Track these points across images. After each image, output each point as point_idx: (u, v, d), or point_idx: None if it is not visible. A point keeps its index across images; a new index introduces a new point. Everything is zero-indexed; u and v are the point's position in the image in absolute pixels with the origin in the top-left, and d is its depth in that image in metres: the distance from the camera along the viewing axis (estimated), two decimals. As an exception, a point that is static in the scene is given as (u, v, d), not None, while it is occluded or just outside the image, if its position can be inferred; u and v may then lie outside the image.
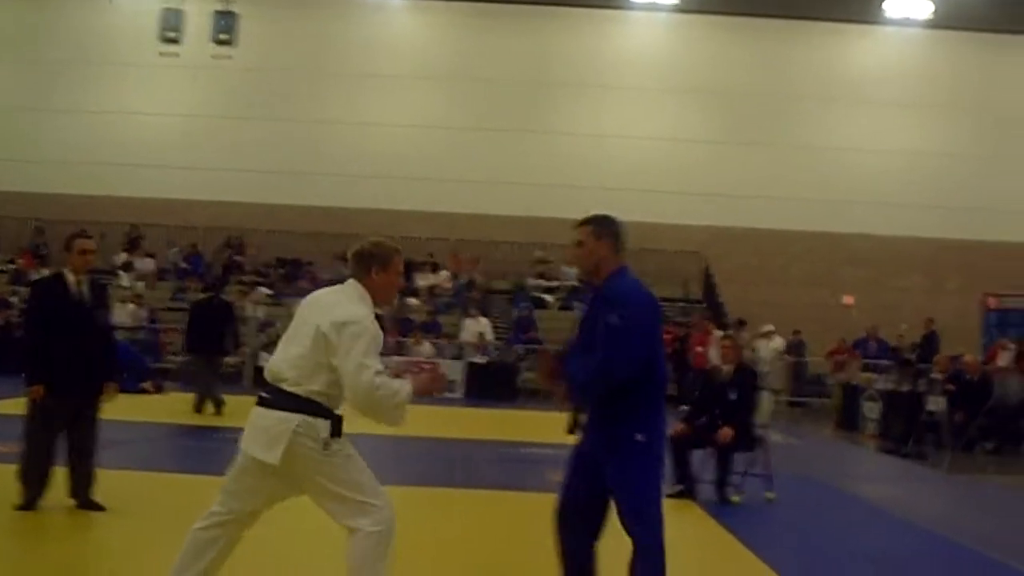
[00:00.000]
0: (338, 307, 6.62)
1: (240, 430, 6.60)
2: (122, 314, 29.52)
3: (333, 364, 6.50)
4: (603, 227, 7.09)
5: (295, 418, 6.47)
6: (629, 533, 6.82)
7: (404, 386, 6.57)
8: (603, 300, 6.91)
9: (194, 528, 6.74)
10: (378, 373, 6.46)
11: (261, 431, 6.53)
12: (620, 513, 6.85)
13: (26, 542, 9.46)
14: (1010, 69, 39.47)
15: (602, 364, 6.73)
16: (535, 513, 11.64)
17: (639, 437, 6.80)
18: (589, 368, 6.77)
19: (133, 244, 37.02)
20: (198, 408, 20.67)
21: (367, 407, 6.49)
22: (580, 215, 7.21)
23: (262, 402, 6.62)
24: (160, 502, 11.26)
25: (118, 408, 11.28)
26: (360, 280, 6.81)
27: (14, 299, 31.25)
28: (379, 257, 6.85)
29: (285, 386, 6.55)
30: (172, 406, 22.09)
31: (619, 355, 6.73)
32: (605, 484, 6.89)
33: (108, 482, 10.76)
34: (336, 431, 6.56)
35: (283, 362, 6.62)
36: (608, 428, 6.88)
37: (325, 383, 6.53)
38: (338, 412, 6.60)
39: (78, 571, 8.50)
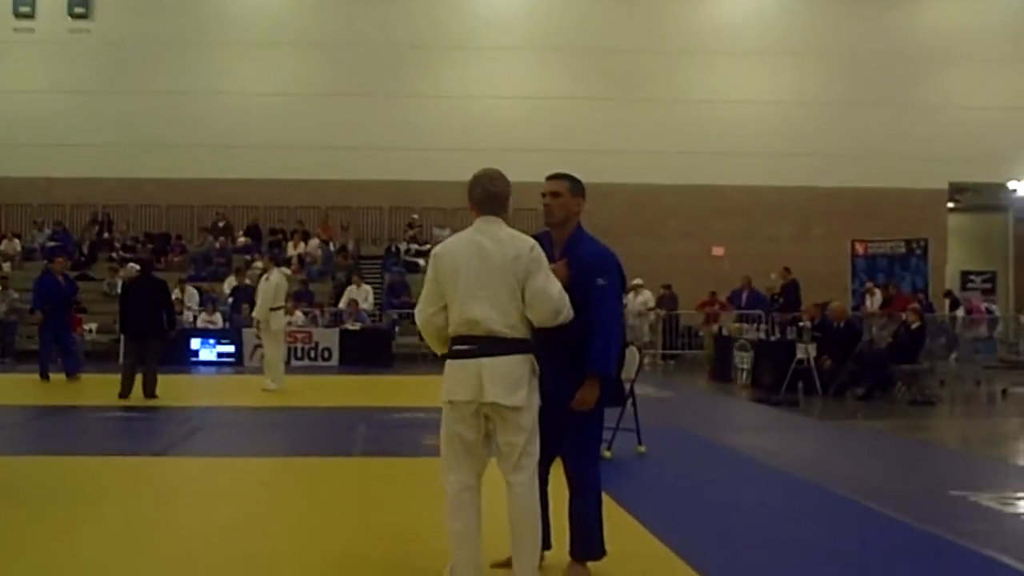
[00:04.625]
0: (509, 242, 7.11)
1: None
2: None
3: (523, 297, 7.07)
4: (577, 186, 7.82)
5: (528, 359, 7.08)
6: (571, 473, 7.64)
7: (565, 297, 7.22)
8: (584, 260, 7.57)
9: (463, 495, 7.20)
10: (560, 295, 7.13)
11: (498, 378, 6.94)
12: (566, 458, 7.64)
13: None
14: (867, 15, 39.93)
15: (605, 325, 7.49)
16: (411, 478, 11.61)
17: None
18: (598, 341, 7.42)
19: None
20: (124, 392, 19.49)
21: (554, 322, 7.12)
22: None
23: (482, 352, 7.00)
24: (36, 484, 11.12)
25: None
26: (499, 216, 7.26)
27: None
28: (509, 193, 7.36)
29: (504, 333, 7.00)
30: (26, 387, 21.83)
31: (612, 313, 7.62)
32: (563, 424, 7.50)
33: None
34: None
35: (493, 313, 6.99)
36: (574, 374, 7.42)
37: (527, 322, 7.11)
38: None
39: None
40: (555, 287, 7.09)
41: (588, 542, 7.65)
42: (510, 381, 6.96)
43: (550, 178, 7.85)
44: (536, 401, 7.14)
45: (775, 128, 38.85)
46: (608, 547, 7.74)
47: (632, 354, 13.79)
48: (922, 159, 38.16)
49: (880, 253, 33.16)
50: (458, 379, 7.06)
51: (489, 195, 7.28)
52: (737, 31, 39.71)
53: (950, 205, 40.38)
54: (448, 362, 7.17)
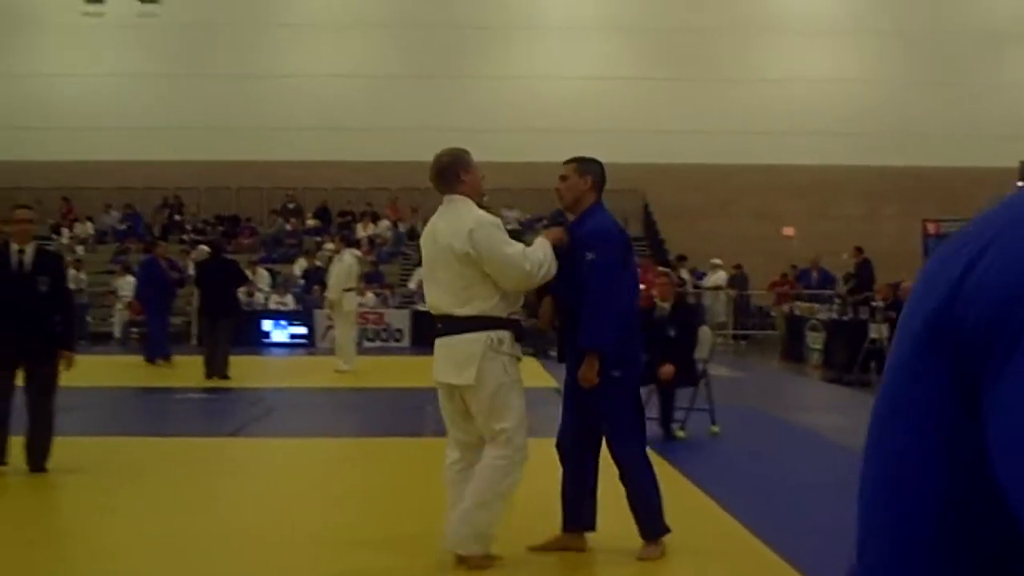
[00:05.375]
0: (458, 223, 7.23)
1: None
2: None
3: (486, 272, 7.17)
4: (586, 165, 7.88)
5: (484, 337, 7.15)
6: (615, 458, 7.70)
7: (543, 247, 7.39)
8: (579, 236, 7.65)
9: (448, 470, 7.54)
10: (522, 253, 7.23)
11: (448, 358, 7.21)
12: (608, 442, 7.71)
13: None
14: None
15: (595, 298, 7.41)
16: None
17: (615, 373, 7.53)
18: (588, 316, 7.43)
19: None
20: (209, 373, 19.93)
21: (526, 288, 7.44)
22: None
23: (442, 332, 7.29)
24: (116, 464, 11.31)
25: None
26: (454, 191, 7.41)
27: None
28: (460, 162, 7.51)
29: (456, 313, 7.19)
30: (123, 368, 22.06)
31: (602, 287, 7.44)
32: (593, 414, 7.68)
33: (72, 447, 10.91)
34: (517, 337, 7.36)
35: (444, 295, 7.26)
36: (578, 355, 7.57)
37: (488, 300, 7.21)
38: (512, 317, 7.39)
39: (32, 529, 8.49)
40: (514, 249, 7.24)
41: (648, 521, 7.71)
42: (458, 360, 7.16)
43: (564, 163, 8.02)
44: (501, 378, 7.22)
45: (845, 107, 38.57)
46: (682, 524, 7.81)
47: (705, 334, 13.79)
48: (993, 137, 37.70)
49: (952, 232, 32.86)
50: (433, 359, 7.38)
51: (434, 173, 7.54)
52: (806, 9, 39.47)
53: (1021, 184, 39.92)
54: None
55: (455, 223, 7.25)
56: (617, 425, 7.68)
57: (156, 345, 23.24)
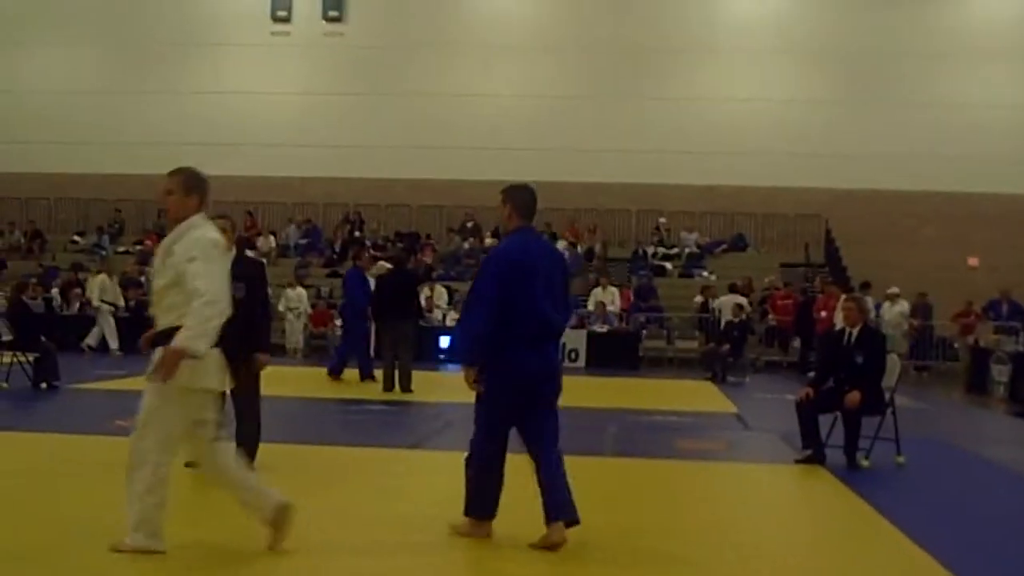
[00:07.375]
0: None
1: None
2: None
3: None
4: (506, 193, 8.40)
5: None
6: None
7: None
8: None
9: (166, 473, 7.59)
10: None
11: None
12: None
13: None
14: None
15: (463, 312, 8.48)
16: (667, 479, 11.57)
17: (480, 388, 8.35)
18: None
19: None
20: (388, 386, 20.28)
21: None
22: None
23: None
24: (309, 469, 11.69)
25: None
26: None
27: (143, 279, 31.99)
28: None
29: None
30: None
31: (471, 299, 8.30)
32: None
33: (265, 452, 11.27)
34: None
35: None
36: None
37: None
38: None
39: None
40: None
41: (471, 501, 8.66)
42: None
43: None
44: None
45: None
46: (870, 554, 7.96)
47: (893, 362, 13.49)
48: None
49: None
50: (221, 368, 7.77)
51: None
52: (990, 29, 38.56)
53: None
54: (216, 350, 7.63)
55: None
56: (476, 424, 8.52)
57: (342, 361, 22.80)
